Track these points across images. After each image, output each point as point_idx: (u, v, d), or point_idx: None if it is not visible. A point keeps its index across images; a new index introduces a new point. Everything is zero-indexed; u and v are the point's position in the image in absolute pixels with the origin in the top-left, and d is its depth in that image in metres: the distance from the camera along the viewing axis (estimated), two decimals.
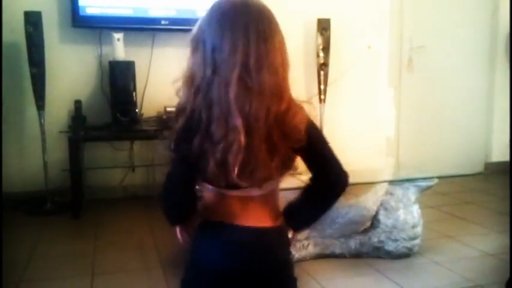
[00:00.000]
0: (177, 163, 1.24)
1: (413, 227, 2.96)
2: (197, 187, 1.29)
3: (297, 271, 1.37)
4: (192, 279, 1.32)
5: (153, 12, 4.01)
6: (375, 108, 4.80)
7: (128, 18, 3.96)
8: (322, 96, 4.47)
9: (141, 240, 3.27)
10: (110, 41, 3.89)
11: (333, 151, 1.30)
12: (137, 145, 4.21)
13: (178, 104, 1.22)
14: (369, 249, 2.95)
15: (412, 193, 3.00)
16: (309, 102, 1.27)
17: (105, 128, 3.88)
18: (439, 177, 3.15)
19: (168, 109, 3.90)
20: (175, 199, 1.31)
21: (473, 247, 3.17)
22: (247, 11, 1.16)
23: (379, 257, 2.95)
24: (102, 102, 4.03)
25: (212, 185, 1.24)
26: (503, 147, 5.01)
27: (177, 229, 1.39)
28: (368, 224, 2.98)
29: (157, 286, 2.64)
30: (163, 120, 3.86)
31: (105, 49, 4.01)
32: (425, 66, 4.85)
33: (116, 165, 4.17)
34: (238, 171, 1.13)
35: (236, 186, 1.18)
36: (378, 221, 2.95)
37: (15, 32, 3.70)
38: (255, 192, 1.24)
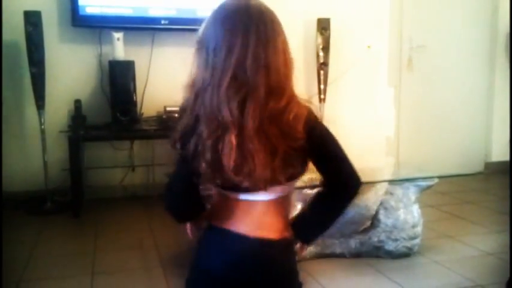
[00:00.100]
0: (179, 163, 1.25)
1: (414, 226, 2.96)
2: (204, 187, 1.28)
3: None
4: (195, 279, 1.33)
5: (153, 12, 4.01)
6: (375, 108, 4.80)
7: (128, 18, 3.96)
8: (322, 96, 4.47)
9: (141, 240, 3.27)
10: (110, 41, 3.89)
11: (343, 150, 1.27)
12: (137, 145, 4.21)
13: (182, 104, 1.24)
14: (369, 249, 2.95)
15: (412, 193, 3.00)
16: (309, 101, 1.25)
17: (105, 127, 3.88)
18: (439, 177, 3.15)
19: (168, 109, 3.90)
20: (176, 198, 1.31)
21: (473, 247, 3.17)
22: (249, 13, 1.16)
23: (379, 257, 2.95)
24: (102, 102, 4.03)
25: (213, 185, 1.24)
26: (503, 146, 5.01)
27: (187, 225, 1.40)
28: (368, 223, 2.98)
29: (157, 285, 2.64)
30: (163, 120, 3.87)
31: (105, 49, 4.01)
32: (425, 65, 4.85)
33: (116, 165, 4.17)
34: (234, 169, 1.13)
35: (241, 189, 1.18)
36: (378, 220, 2.95)
37: (15, 31, 3.70)
38: (262, 196, 1.23)
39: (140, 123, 3.97)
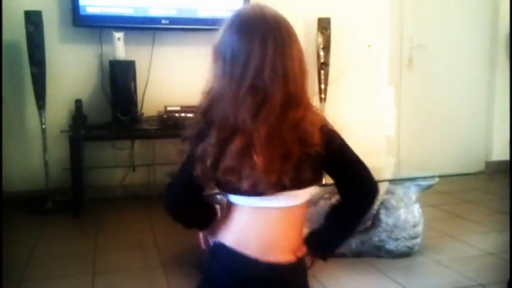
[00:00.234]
0: (184, 164, 1.25)
1: (414, 226, 2.96)
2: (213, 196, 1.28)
3: None
4: None
5: (154, 12, 4.01)
6: (375, 107, 4.80)
7: (129, 18, 3.96)
8: (323, 96, 4.47)
9: (141, 239, 3.28)
10: (111, 40, 3.89)
11: (358, 156, 1.27)
12: (138, 144, 4.22)
13: (197, 107, 1.23)
14: (370, 249, 2.95)
15: (412, 192, 3.00)
16: (320, 110, 1.26)
17: (105, 127, 3.88)
18: (439, 176, 3.15)
19: (168, 108, 3.90)
20: (175, 198, 1.31)
21: (474, 246, 3.17)
22: (266, 22, 1.17)
23: (379, 256, 2.95)
24: (103, 102, 4.03)
25: (220, 189, 1.23)
26: (504, 146, 5.01)
27: (200, 234, 1.40)
28: (369, 223, 2.98)
29: (158, 285, 2.64)
30: (164, 120, 3.87)
31: (106, 48, 4.01)
32: (426, 65, 4.85)
33: (117, 165, 4.18)
34: (228, 171, 1.14)
35: (248, 192, 1.17)
36: (379, 220, 2.94)
37: (16, 31, 3.71)
38: (273, 202, 1.21)
39: (141, 122, 3.97)
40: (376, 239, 2.93)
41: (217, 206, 1.36)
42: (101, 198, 4.03)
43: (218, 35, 1.22)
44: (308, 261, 1.33)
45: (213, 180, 1.19)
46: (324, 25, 4.40)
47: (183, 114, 3.89)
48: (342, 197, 1.30)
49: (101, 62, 4.04)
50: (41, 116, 3.73)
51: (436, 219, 3.60)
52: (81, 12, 3.84)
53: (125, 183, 4.20)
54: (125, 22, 3.95)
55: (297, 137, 1.15)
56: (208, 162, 1.15)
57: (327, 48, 4.43)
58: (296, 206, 1.25)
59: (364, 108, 4.71)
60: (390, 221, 2.92)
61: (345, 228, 1.35)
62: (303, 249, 1.29)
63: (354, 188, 1.28)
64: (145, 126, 3.92)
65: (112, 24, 3.91)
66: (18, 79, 3.88)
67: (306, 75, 1.21)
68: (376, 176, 1.33)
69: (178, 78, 4.20)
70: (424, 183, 3.05)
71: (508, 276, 2.37)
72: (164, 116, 3.88)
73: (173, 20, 4.03)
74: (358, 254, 2.95)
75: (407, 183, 3.02)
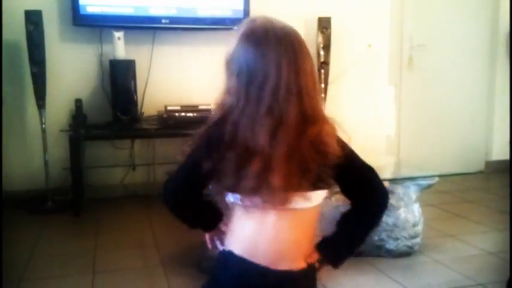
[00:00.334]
0: (188, 165, 1.25)
1: (414, 225, 2.96)
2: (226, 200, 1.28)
3: None
4: None
5: (154, 11, 4.01)
6: (376, 107, 4.80)
7: (129, 17, 3.96)
8: (323, 95, 4.47)
9: (141, 239, 3.28)
10: (111, 40, 3.89)
11: (370, 166, 1.30)
12: (138, 144, 4.22)
13: (210, 117, 1.24)
14: (370, 248, 2.94)
15: (412, 191, 3.00)
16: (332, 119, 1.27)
17: (105, 126, 3.88)
18: (439, 176, 3.14)
19: (168, 108, 3.90)
20: (173, 193, 1.32)
21: (474, 245, 3.17)
22: (278, 37, 1.17)
23: (380, 256, 2.95)
24: (103, 101, 4.03)
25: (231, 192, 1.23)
26: (504, 145, 5.02)
27: (206, 235, 1.40)
28: None
29: (158, 284, 2.64)
30: (164, 119, 3.87)
31: (106, 48, 4.01)
32: (426, 64, 4.85)
33: (117, 164, 4.18)
34: (250, 190, 1.16)
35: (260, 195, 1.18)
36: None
37: (16, 31, 3.70)
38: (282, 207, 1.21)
39: (141, 122, 3.97)
40: (376, 238, 2.93)
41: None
42: (101, 198, 4.03)
43: (231, 48, 1.21)
44: (317, 266, 1.33)
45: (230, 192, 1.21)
46: (324, 24, 4.40)
47: (183, 114, 3.90)
48: (354, 205, 1.31)
49: (101, 62, 4.04)
50: (41, 115, 3.73)
51: (436, 219, 3.60)
52: (81, 12, 3.84)
53: (125, 182, 4.20)
54: (125, 21, 3.95)
55: (316, 150, 1.17)
56: (227, 181, 1.16)
57: (327, 47, 4.43)
58: (307, 208, 1.25)
59: (364, 108, 4.71)
60: (390, 221, 2.92)
61: (357, 236, 1.36)
62: (315, 256, 1.30)
63: (365, 195, 1.30)
64: (146, 126, 3.91)
65: (112, 24, 3.91)
66: (18, 78, 3.88)
67: (319, 89, 1.24)
68: None
69: (178, 78, 4.21)
70: (424, 182, 3.05)
71: (507, 276, 2.37)
72: (164, 116, 3.88)
73: (173, 20, 4.03)
74: (358, 254, 2.94)
75: (407, 183, 3.02)
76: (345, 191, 1.30)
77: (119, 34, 3.85)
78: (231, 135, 1.16)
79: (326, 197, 1.28)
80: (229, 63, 1.21)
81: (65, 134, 3.78)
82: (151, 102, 4.12)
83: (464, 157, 5.09)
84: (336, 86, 4.58)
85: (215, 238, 1.39)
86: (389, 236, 2.93)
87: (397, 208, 2.93)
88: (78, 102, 3.76)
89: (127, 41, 3.89)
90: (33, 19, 3.56)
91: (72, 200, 3.72)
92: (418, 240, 2.98)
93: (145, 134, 3.92)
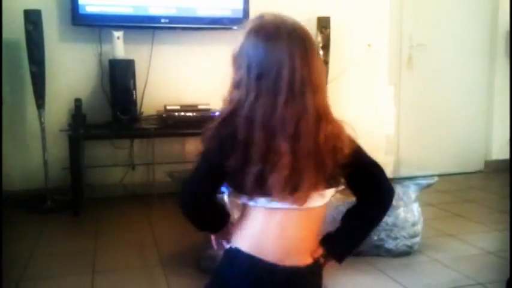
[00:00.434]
0: (204, 167, 1.23)
1: (414, 225, 2.96)
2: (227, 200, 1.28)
3: None
4: None
5: (153, 11, 4.01)
6: (375, 106, 4.80)
7: (128, 17, 3.96)
8: None
9: (141, 238, 3.28)
10: (110, 39, 3.89)
11: (377, 162, 1.31)
12: (137, 143, 4.21)
13: (220, 113, 1.22)
14: (369, 248, 2.94)
15: (412, 191, 3.01)
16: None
17: (105, 126, 3.88)
18: (439, 175, 3.15)
19: (168, 107, 3.90)
20: (192, 195, 1.27)
21: (473, 245, 3.17)
22: (289, 32, 1.16)
23: (379, 255, 2.95)
24: (102, 101, 4.03)
25: (245, 194, 1.22)
26: (503, 145, 5.02)
27: (212, 237, 1.38)
28: None
29: (157, 283, 2.64)
30: (164, 119, 3.87)
31: (105, 47, 4.01)
32: (425, 64, 4.85)
33: (116, 164, 4.18)
34: (280, 188, 1.14)
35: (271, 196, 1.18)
36: None
37: (15, 30, 3.70)
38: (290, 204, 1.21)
39: (140, 122, 3.97)
40: (376, 238, 2.93)
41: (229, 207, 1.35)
42: (100, 198, 4.03)
43: (239, 44, 1.20)
44: (321, 262, 1.33)
45: (260, 194, 1.18)
46: (323, 24, 4.40)
47: (182, 113, 3.90)
48: (359, 200, 1.32)
49: (101, 61, 4.04)
50: (40, 115, 3.73)
51: (435, 218, 3.60)
52: (81, 11, 3.84)
53: (125, 182, 4.20)
54: (125, 21, 3.95)
55: (329, 148, 1.16)
56: (251, 179, 1.14)
57: (326, 47, 4.43)
58: (318, 206, 1.25)
59: (363, 107, 4.71)
60: (389, 220, 2.92)
61: (361, 231, 1.36)
62: (319, 251, 1.30)
63: (372, 192, 1.30)
64: (145, 125, 3.91)
65: (111, 23, 3.91)
66: (17, 78, 3.88)
67: (326, 86, 1.23)
68: None
69: (178, 77, 4.21)
70: (424, 182, 3.06)
71: (507, 275, 2.37)
72: (164, 115, 3.88)
73: (173, 19, 4.03)
74: (358, 253, 2.94)
75: (407, 182, 3.02)
76: (352, 187, 1.30)
77: (118, 34, 3.85)
78: (246, 131, 1.14)
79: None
80: (237, 58, 1.20)
81: (64, 134, 3.78)
82: (151, 101, 4.12)
83: (463, 156, 5.09)
84: (336, 86, 4.57)
85: (222, 239, 1.38)
86: (388, 236, 2.93)
87: (397, 208, 2.94)
88: (77, 101, 3.76)
89: (126, 40, 3.89)
90: (33, 19, 3.56)
91: (71, 200, 3.72)
92: (417, 239, 2.98)
93: (145, 134, 3.92)
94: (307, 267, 1.26)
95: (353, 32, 4.62)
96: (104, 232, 3.39)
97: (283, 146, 1.13)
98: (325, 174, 1.17)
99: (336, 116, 1.24)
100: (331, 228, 1.36)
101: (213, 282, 1.32)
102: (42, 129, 3.75)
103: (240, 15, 4.08)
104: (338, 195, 2.82)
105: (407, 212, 2.95)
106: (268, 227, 1.23)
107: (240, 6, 4.13)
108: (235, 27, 3.73)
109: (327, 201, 1.27)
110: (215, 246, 1.39)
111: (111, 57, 3.89)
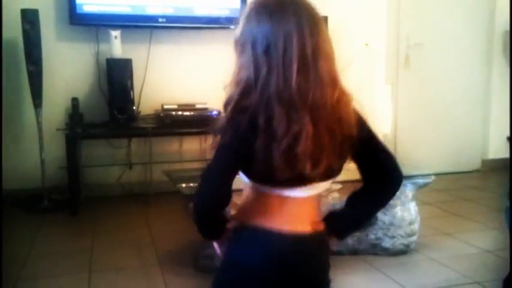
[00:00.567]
0: (225, 156, 1.16)
1: (411, 223, 2.96)
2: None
3: None
4: (234, 279, 1.25)
5: (151, 10, 4.01)
6: (372, 105, 4.79)
7: (125, 16, 3.95)
8: None
9: (138, 238, 3.27)
10: (107, 39, 3.88)
11: (385, 145, 1.30)
12: (134, 143, 4.21)
13: (226, 99, 1.17)
14: (366, 246, 2.95)
15: (409, 190, 3.01)
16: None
17: (102, 125, 3.88)
18: (436, 174, 3.16)
19: (165, 106, 3.90)
20: (214, 189, 1.20)
21: (470, 244, 3.18)
22: (296, 7, 1.14)
23: (376, 254, 2.96)
24: (100, 100, 4.03)
25: (262, 183, 1.20)
26: (500, 144, 5.03)
27: (215, 244, 1.35)
28: None
29: (154, 283, 2.64)
30: (161, 118, 3.87)
31: (103, 47, 4.00)
32: (423, 63, 4.86)
33: (113, 163, 4.17)
34: (310, 158, 1.12)
35: (282, 184, 1.17)
36: (375, 217, 2.95)
37: (13, 29, 3.70)
38: (301, 193, 1.21)
39: (137, 121, 3.97)
40: (373, 236, 2.94)
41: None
42: (97, 197, 4.03)
43: (240, 24, 1.18)
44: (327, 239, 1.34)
45: (289, 174, 1.14)
46: None
47: (180, 113, 3.90)
48: (366, 183, 1.31)
49: (98, 61, 4.03)
50: (37, 114, 3.73)
51: (432, 217, 3.61)
52: (78, 11, 3.83)
53: (122, 181, 4.20)
54: (122, 20, 3.95)
55: (337, 119, 1.16)
56: (285, 151, 1.10)
57: None
58: (317, 194, 1.27)
59: (360, 106, 4.70)
60: (386, 219, 2.93)
61: (366, 212, 1.36)
62: (322, 225, 1.29)
63: (381, 176, 1.29)
64: (142, 125, 3.91)
65: (109, 23, 3.90)
66: (14, 77, 3.88)
67: (335, 56, 1.20)
68: None
69: (175, 77, 4.20)
70: (421, 181, 3.07)
71: (504, 274, 2.38)
72: (161, 114, 3.88)
73: (170, 19, 4.03)
74: (355, 252, 2.95)
75: (404, 181, 3.00)
76: (361, 166, 1.29)
77: (115, 33, 3.84)
78: (264, 109, 1.10)
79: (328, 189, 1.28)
80: (239, 40, 1.17)
81: (61, 133, 3.77)
82: (148, 101, 4.12)
83: (460, 155, 5.10)
84: None
85: (222, 243, 1.35)
86: (385, 234, 2.93)
87: (394, 206, 2.94)
88: (74, 101, 3.76)
89: (124, 40, 3.89)
90: (30, 18, 3.56)
91: (68, 199, 3.72)
92: (414, 238, 2.99)
93: (142, 133, 3.92)
94: (312, 234, 1.25)
95: (351, 31, 4.62)
96: (101, 231, 3.39)
97: (305, 117, 1.11)
98: (336, 147, 1.16)
99: (346, 89, 1.23)
100: None
101: (224, 268, 1.28)
102: (39, 128, 3.75)
103: (237, 14, 4.07)
104: (336, 195, 2.83)
105: (404, 210, 2.96)
106: (278, 209, 1.22)
107: (237, 5, 4.13)
108: (232, 27, 3.73)
109: (325, 188, 1.27)
110: (219, 252, 1.35)
111: (108, 57, 3.89)
